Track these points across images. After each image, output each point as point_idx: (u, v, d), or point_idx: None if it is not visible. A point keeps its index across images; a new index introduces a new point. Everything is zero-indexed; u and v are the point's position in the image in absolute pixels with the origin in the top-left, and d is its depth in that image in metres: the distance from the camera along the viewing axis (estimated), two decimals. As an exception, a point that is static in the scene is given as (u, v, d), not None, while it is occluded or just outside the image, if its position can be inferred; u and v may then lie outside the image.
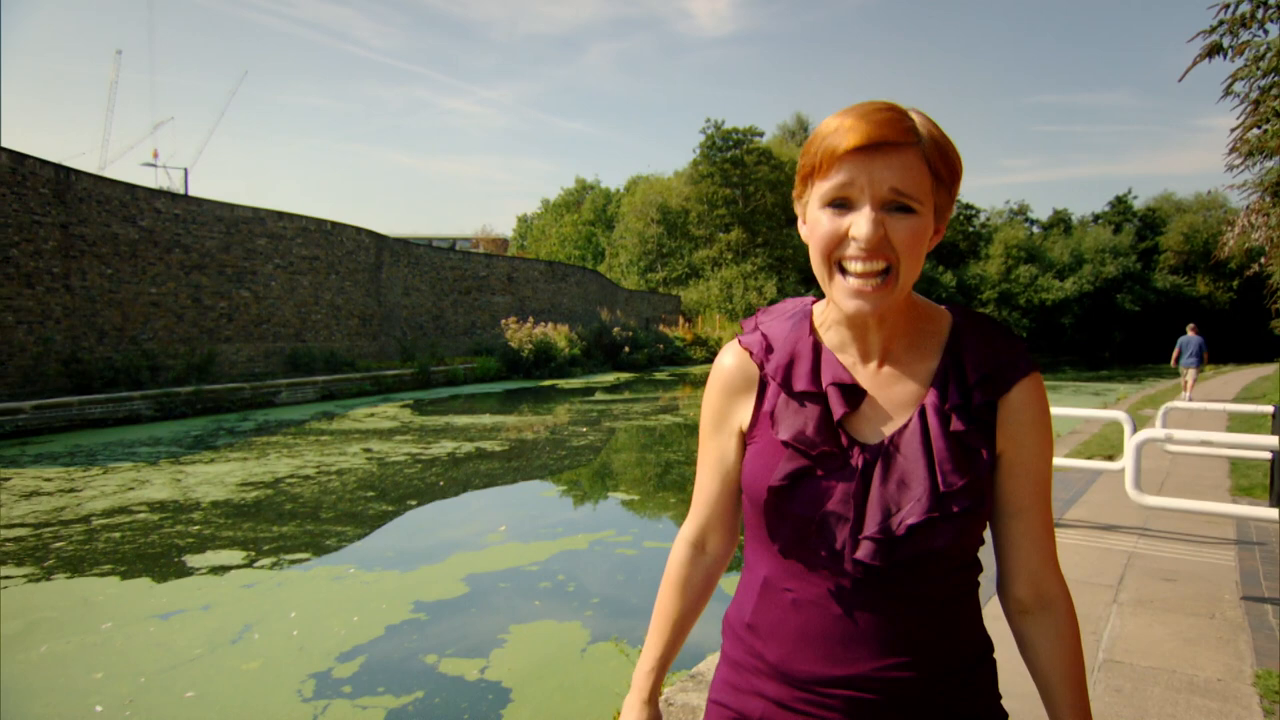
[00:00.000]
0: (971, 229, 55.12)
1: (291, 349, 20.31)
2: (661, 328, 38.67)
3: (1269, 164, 7.20)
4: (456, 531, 7.27)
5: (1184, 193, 57.13)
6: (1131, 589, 4.37)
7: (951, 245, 53.07)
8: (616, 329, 31.60)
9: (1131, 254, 50.68)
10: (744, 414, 1.07)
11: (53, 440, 12.02)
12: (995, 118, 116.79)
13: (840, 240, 0.92)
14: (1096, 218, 56.31)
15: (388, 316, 24.87)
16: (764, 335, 1.06)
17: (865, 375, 1.00)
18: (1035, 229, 56.53)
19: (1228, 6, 6.02)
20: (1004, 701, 1.06)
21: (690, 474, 9.68)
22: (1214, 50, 6.22)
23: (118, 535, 6.83)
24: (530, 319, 27.92)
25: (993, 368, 0.98)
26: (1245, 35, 6.02)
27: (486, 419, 15.36)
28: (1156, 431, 4.52)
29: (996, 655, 1.05)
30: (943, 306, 1.05)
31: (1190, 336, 15.68)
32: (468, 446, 11.75)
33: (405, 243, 27.00)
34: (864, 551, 0.93)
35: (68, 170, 14.99)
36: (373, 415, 15.65)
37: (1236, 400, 16.36)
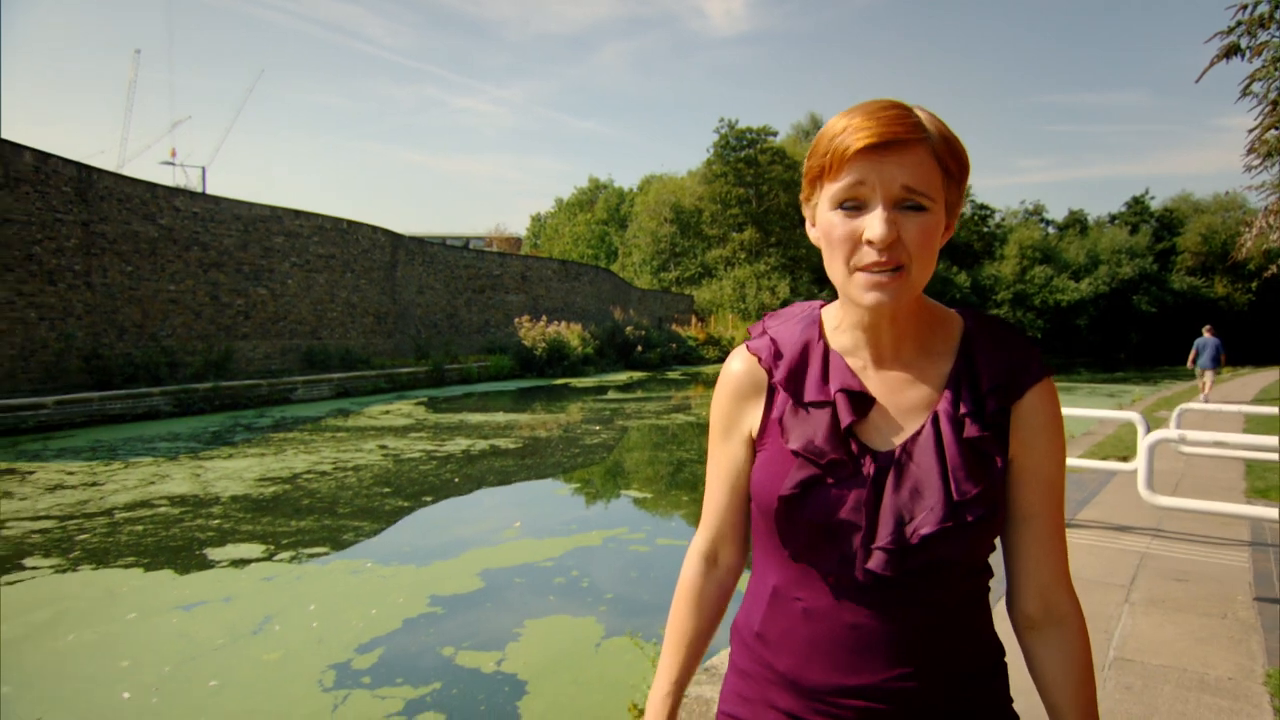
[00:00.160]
0: (986, 229, 54.78)
1: (307, 346, 20.51)
2: (674, 327, 38.71)
3: None
4: (471, 527, 7.36)
5: (1202, 193, 56.55)
6: (1143, 589, 4.39)
7: (966, 246, 52.79)
8: (629, 328, 31.68)
9: (1148, 255, 50.22)
10: (753, 420, 1.05)
11: (74, 435, 12.21)
12: (1010, 117, 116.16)
13: (857, 244, 0.90)
14: (1113, 218, 55.82)
15: (402, 314, 25.04)
16: (772, 340, 1.05)
17: (876, 380, 0.99)
18: (1050, 229, 56.11)
19: (1245, 7, 6.00)
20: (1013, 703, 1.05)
21: (702, 472, 9.75)
22: (1232, 51, 6.18)
23: (140, 528, 6.95)
24: (543, 318, 28.05)
25: (1006, 373, 0.96)
26: (1264, 36, 5.99)
27: (500, 417, 15.46)
28: (1169, 432, 4.53)
29: (1006, 658, 1.04)
30: (953, 310, 1.04)
31: (1207, 338, 15.57)
32: (482, 444, 11.85)
33: (420, 241, 27.17)
34: (876, 561, 0.92)
35: (89, 169, 15.21)
36: (388, 412, 15.78)
37: (1254, 402, 16.23)
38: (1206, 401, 14.74)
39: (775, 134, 48.84)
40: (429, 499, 8.33)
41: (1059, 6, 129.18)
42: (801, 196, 1.01)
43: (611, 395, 20.57)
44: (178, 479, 9.02)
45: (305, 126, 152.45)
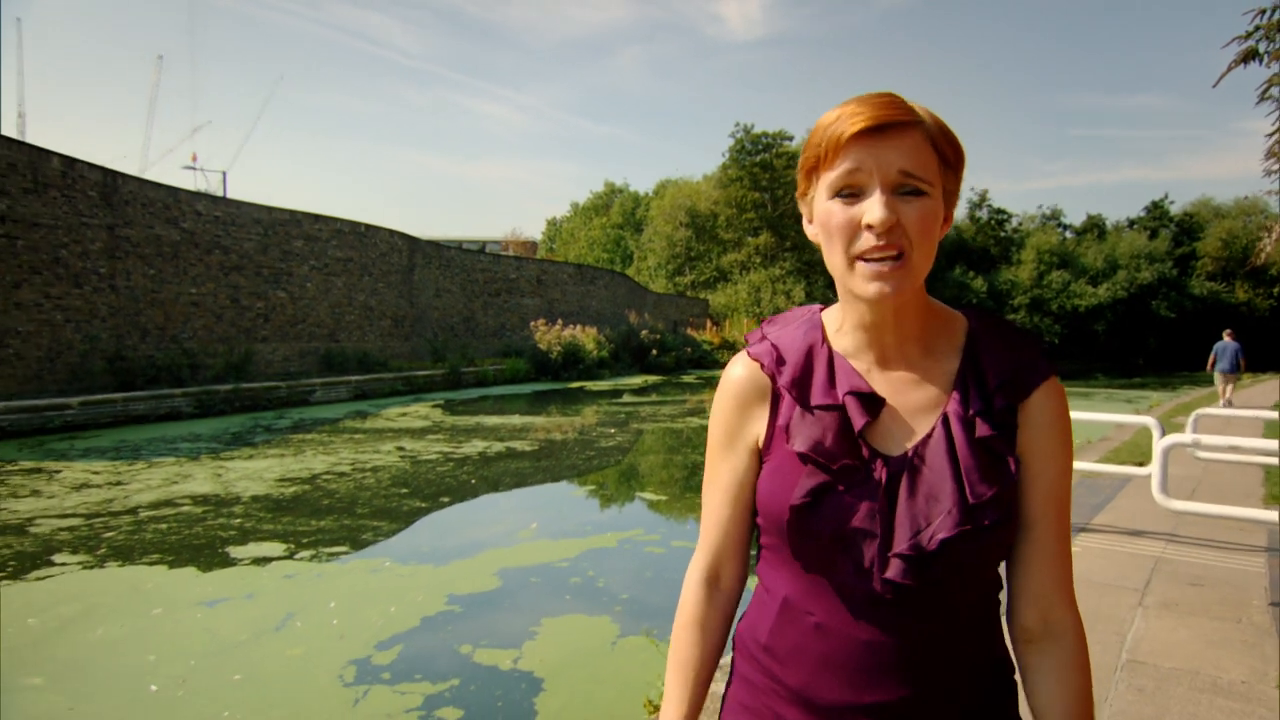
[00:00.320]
0: (1003, 234, 54.40)
1: (326, 349, 20.73)
2: (689, 331, 38.77)
3: None
4: (488, 528, 7.44)
5: (1223, 197, 55.68)
6: (1158, 593, 4.39)
7: (983, 250, 52.47)
8: (644, 332, 31.77)
9: (1168, 260, 49.66)
10: (758, 428, 1.02)
11: (99, 435, 12.43)
12: (1028, 122, 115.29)
13: (856, 230, 0.89)
14: (1131, 223, 55.23)
15: (419, 318, 25.25)
16: (773, 345, 1.02)
17: (881, 381, 0.97)
18: (1068, 234, 55.63)
19: (1264, 12, 6.00)
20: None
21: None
22: (1249, 56, 6.17)
23: (164, 527, 7.09)
24: (559, 321, 28.20)
25: (1012, 371, 0.95)
26: (1284, 40, 6.00)
27: (516, 419, 15.57)
28: (1183, 436, 4.54)
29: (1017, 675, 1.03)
30: (957, 310, 1.02)
31: (1226, 342, 15.46)
32: (498, 446, 11.95)
33: (437, 245, 27.39)
34: (894, 570, 0.89)
35: (114, 174, 15.49)
36: (405, 415, 15.93)
37: (1275, 408, 16.06)
38: (1226, 406, 14.62)
39: (791, 138, 48.84)
40: (446, 500, 8.43)
41: (1079, 11, 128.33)
42: (798, 193, 0.99)
43: (626, 399, 20.64)
44: (200, 479, 9.18)
45: (325, 130, 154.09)
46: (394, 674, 4.20)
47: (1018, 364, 0.95)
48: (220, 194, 24.91)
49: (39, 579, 5.65)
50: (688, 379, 28.38)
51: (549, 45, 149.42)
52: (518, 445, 12.11)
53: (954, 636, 0.93)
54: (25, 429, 12.12)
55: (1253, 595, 4.37)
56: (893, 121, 0.88)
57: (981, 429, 0.92)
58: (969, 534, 0.88)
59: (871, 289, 0.89)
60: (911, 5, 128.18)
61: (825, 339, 1.01)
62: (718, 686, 3.11)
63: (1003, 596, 1.01)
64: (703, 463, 1.10)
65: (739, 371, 1.04)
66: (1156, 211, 54.61)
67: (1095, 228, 55.60)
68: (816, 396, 0.96)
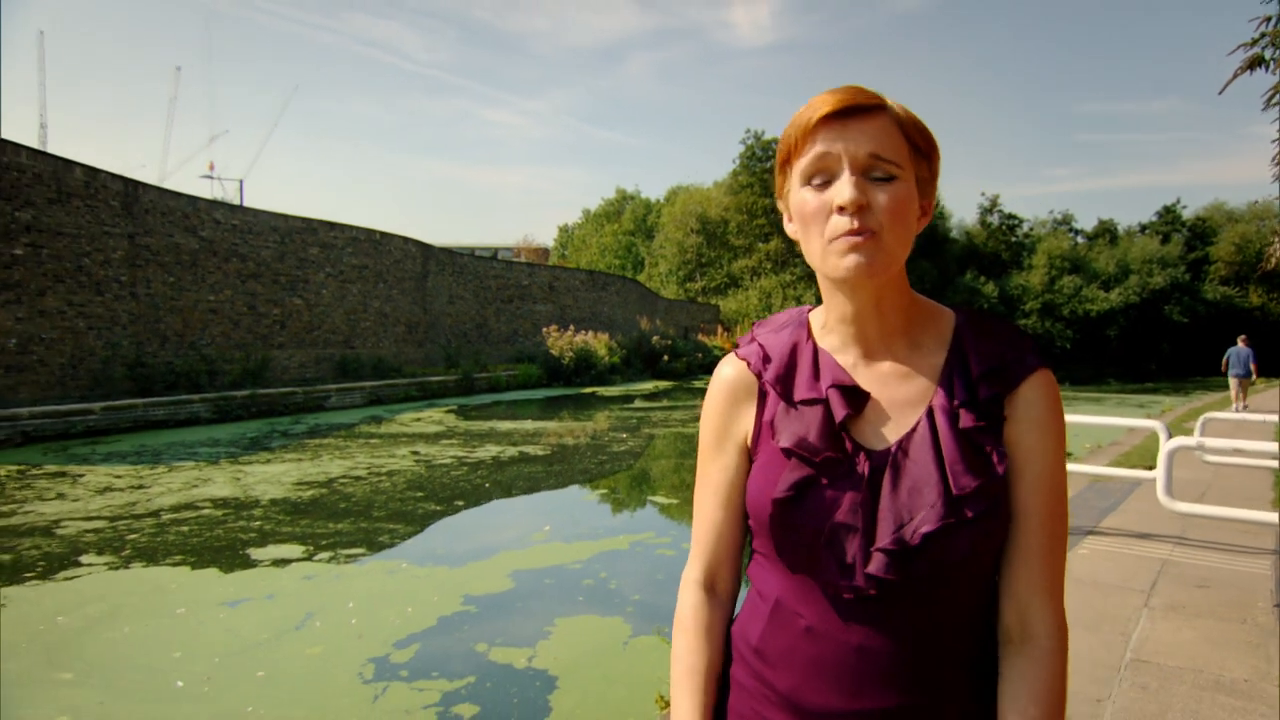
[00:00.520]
0: (1014, 239, 54.22)
1: (341, 355, 20.95)
2: (700, 337, 38.85)
3: None
4: (502, 531, 7.55)
5: (1236, 201, 55.26)
6: (1164, 594, 4.44)
7: (994, 256, 52.30)
8: (656, 338, 31.89)
9: (1180, 265, 49.30)
10: (747, 425, 1.02)
11: (120, 440, 12.64)
12: (1039, 127, 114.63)
13: (827, 214, 0.89)
14: (1143, 228, 54.89)
15: (433, 324, 25.46)
16: (761, 345, 1.03)
17: (867, 376, 0.96)
18: (1080, 239, 55.36)
19: (1270, 19, 6.06)
20: None
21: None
22: (1255, 63, 6.23)
23: (186, 529, 7.24)
24: (571, 327, 28.36)
25: (998, 363, 0.93)
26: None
27: (529, 424, 15.70)
28: (1188, 440, 4.60)
29: None
30: (947, 307, 1.01)
31: (1241, 347, 15.46)
32: (511, 451, 12.07)
33: (450, 252, 27.62)
34: (876, 565, 0.88)
35: (135, 183, 15.77)
36: (419, 420, 16.09)
37: (1290, 414, 15.97)
38: (1238, 411, 14.57)
39: (802, 144, 48.87)
40: (461, 504, 8.55)
41: (1088, 16, 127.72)
42: (776, 195, 0.99)
43: (638, 404, 20.74)
44: (219, 482, 9.34)
45: (339, 139, 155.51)
46: (412, 672, 4.28)
47: (1005, 356, 0.93)
48: (237, 202, 25.27)
49: (67, 579, 5.80)
50: (699, 384, 28.46)
51: (559, 52, 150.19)
52: (531, 450, 12.23)
53: (947, 641, 0.91)
54: (49, 433, 12.35)
55: (1258, 597, 4.41)
56: (859, 105, 0.89)
57: (965, 420, 0.90)
58: (953, 527, 0.86)
59: (846, 263, 0.88)
60: (921, 10, 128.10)
61: (810, 336, 1.01)
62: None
63: None
64: (711, 467, 1.12)
65: (727, 372, 1.04)
66: (1169, 216, 54.25)
67: (1107, 233, 55.31)
68: (800, 391, 0.96)
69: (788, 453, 0.94)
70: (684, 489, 9.81)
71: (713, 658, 1.03)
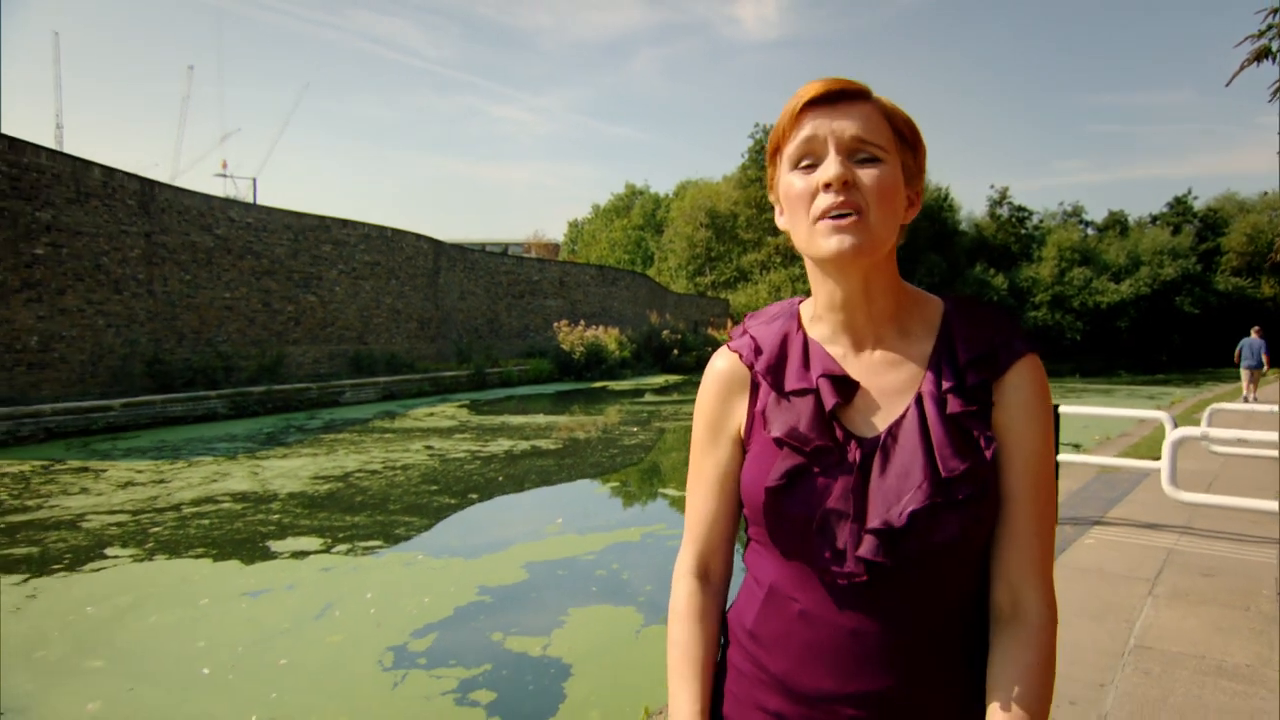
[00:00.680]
0: (1024, 231, 53.88)
1: (354, 351, 21.14)
2: (710, 331, 38.89)
3: None
4: (515, 523, 7.66)
5: (1248, 192, 54.59)
6: (1168, 583, 4.49)
7: (1004, 248, 52.00)
8: (665, 332, 31.96)
9: (1191, 256, 48.81)
10: (740, 417, 1.03)
11: (139, 436, 12.85)
12: (1048, 119, 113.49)
13: (814, 194, 0.91)
14: (1154, 219, 54.38)
15: (445, 320, 25.62)
16: (752, 337, 1.04)
17: (857, 365, 0.98)
18: (1090, 231, 54.94)
19: (1276, 11, 6.06)
20: None
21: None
22: (1262, 54, 6.23)
23: (207, 522, 7.39)
24: (581, 322, 28.46)
25: (986, 348, 0.94)
26: (1294, 39, 6.06)
27: (540, 418, 15.82)
28: (1193, 430, 4.65)
29: None
30: (935, 296, 1.03)
31: (1254, 338, 15.43)
32: (523, 445, 12.19)
33: (461, 248, 27.77)
34: (867, 547, 0.89)
35: (152, 183, 15.97)
36: (432, 414, 16.24)
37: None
38: (1251, 401, 14.53)
39: (811, 138, 48.72)
40: (474, 497, 8.67)
41: (1096, 7, 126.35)
42: (768, 189, 1.02)
43: (648, 398, 20.83)
44: (238, 477, 9.50)
45: (350, 136, 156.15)
46: (430, 660, 4.38)
47: (992, 341, 0.95)
48: (251, 200, 25.47)
49: (94, 570, 5.95)
50: (709, 379, 28.49)
51: (565, 49, 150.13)
52: (542, 444, 12.34)
53: (939, 625, 0.92)
54: (71, 430, 12.57)
55: (1263, 585, 4.45)
56: (843, 90, 0.91)
57: (953, 405, 0.91)
58: (940, 508, 0.87)
59: (831, 243, 0.89)
60: (928, 3, 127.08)
61: (801, 327, 1.03)
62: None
63: None
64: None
65: (720, 364, 1.06)
66: (1179, 207, 53.74)
67: (1117, 224, 54.85)
68: (791, 382, 0.98)
69: (779, 442, 0.95)
70: (695, 482, 9.89)
71: (708, 644, 1.04)
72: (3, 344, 13.00)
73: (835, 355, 0.99)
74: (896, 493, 0.89)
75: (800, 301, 1.07)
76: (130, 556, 6.32)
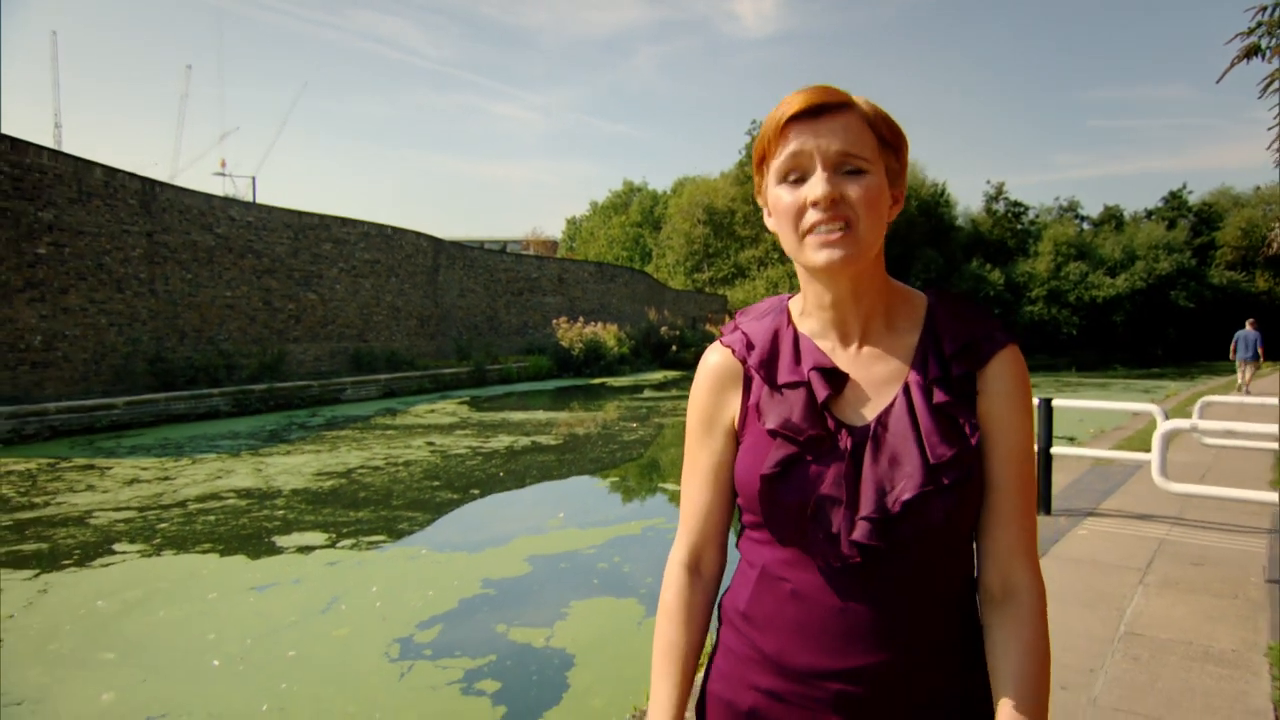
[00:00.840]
0: (1020, 226, 53.94)
1: (355, 349, 21.21)
2: (708, 327, 38.95)
3: None
4: (517, 518, 7.74)
5: (1243, 186, 54.66)
6: (1159, 572, 4.58)
7: (1000, 243, 52.06)
8: (664, 328, 32.04)
9: (1186, 250, 48.91)
10: (733, 410, 1.05)
11: (143, 433, 12.93)
12: (1044, 114, 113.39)
13: (803, 209, 0.94)
14: (1149, 214, 54.44)
15: (444, 317, 25.69)
16: (744, 333, 1.08)
17: (846, 358, 1.01)
18: (1085, 226, 54.99)
19: (1265, 9, 6.15)
20: None
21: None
22: (1252, 51, 6.32)
23: (212, 518, 7.47)
24: (580, 319, 28.52)
25: (969, 340, 0.98)
26: (1283, 37, 6.15)
27: (540, 415, 15.90)
28: (1182, 422, 4.74)
29: None
30: (920, 291, 1.06)
31: (1248, 331, 15.55)
32: (524, 441, 12.27)
33: (460, 246, 27.82)
34: (860, 532, 0.92)
35: (153, 182, 16.03)
36: (433, 411, 16.32)
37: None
38: (1245, 394, 14.64)
39: (809, 133, 48.70)
40: (476, 492, 8.76)
41: (1093, 2, 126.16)
42: (755, 193, 1.04)
43: (647, 394, 20.92)
44: (242, 474, 9.58)
45: (349, 135, 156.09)
46: (435, 651, 4.46)
47: (974, 334, 0.99)
48: (250, 199, 25.51)
49: (103, 566, 6.03)
50: (709, 375, 28.56)
51: (564, 46, 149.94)
52: (543, 440, 12.43)
53: (925, 603, 0.95)
54: (75, 428, 12.64)
55: (1251, 573, 4.54)
56: (827, 104, 0.93)
57: (939, 396, 0.96)
58: (930, 494, 0.91)
59: (821, 256, 0.93)
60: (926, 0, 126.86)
61: (791, 322, 1.06)
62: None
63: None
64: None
65: (713, 359, 1.09)
66: (1175, 202, 53.81)
67: (1113, 219, 54.91)
68: (783, 375, 1.01)
69: (774, 433, 0.98)
70: (694, 477, 9.98)
71: (692, 638, 1.06)
72: (7, 343, 13.06)
73: (824, 349, 1.02)
74: (889, 479, 0.93)
75: (789, 298, 1.10)
76: (138, 552, 6.40)
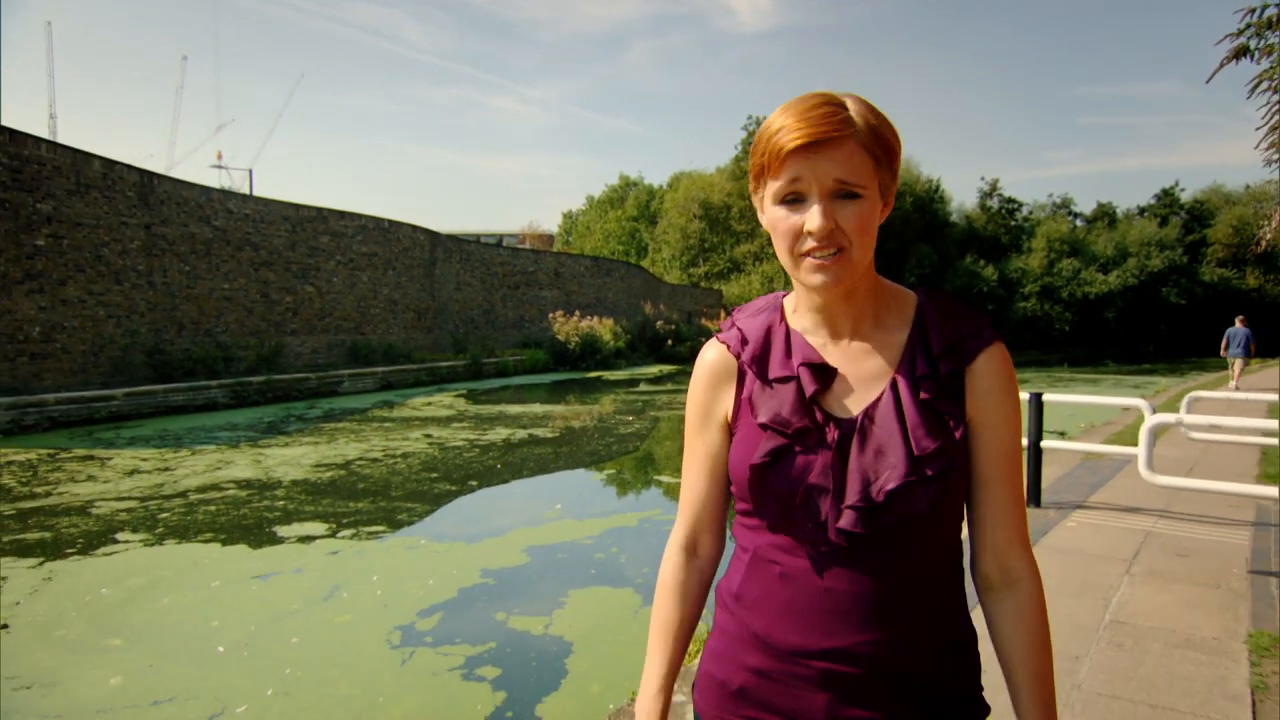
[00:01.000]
0: (1014, 223, 54.11)
1: (352, 341, 21.25)
2: (703, 321, 39.06)
3: None
4: (515, 509, 7.83)
5: (1234, 184, 54.87)
6: (1145, 562, 4.68)
7: (993, 239, 52.23)
8: (660, 322, 32.12)
9: (1178, 247, 49.14)
10: (728, 403, 1.10)
11: (142, 425, 12.97)
12: (1038, 111, 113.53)
13: (799, 235, 0.98)
14: (1142, 210, 54.65)
15: (441, 310, 25.72)
16: (739, 330, 1.12)
17: (835, 354, 1.05)
18: (1079, 223, 55.17)
19: (1253, 11, 6.24)
20: (989, 694, 1.09)
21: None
22: (1241, 52, 6.41)
23: (213, 509, 7.54)
24: (576, 313, 28.58)
25: (956, 338, 1.02)
26: (1272, 38, 6.23)
27: (537, 408, 15.98)
28: (1168, 416, 4.83)
29: (982, 649, 1.07)
30: (910, 289, 1.10)
31: (1239, 328, 15.71)
32: (521, 433, 12.35)
33: (457, 239, 27.84)
34: (846, 520, 0.96)
35: (151, 174, 16.03)
36: (430, 404, 16.38)
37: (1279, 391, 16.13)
38: (1236, 390, 14.79)
39: (805, 128, 48.75)
40: (474, 483, 8.84)
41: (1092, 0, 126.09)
42: (750, 189, 1.06)
43: (643, 387, 21.00)
44: (241, 465, 9.65)
45: (345, 128, 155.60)
46: (436, 638, 4.55)
47: (961, 332, 1.02)
48: (247, 191, 25.49)
49: (106, 555, 6.11)
50: (704, 369, 28.66)
51: (561, 40, 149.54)
52: (539, 432, 12.51)
53: (908, 586, 0.99)
54: (74, 419, 12.69)
55: (1234, 564, 4.65)
56: (827, 137, 0.95)
57: (926, 391, 0.99)
58: (914, 484, 0.95)
59: (816, 279, 0.98)
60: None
61: (784, 319, 1.10)
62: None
63: (967, 566, 1.07)
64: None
65: (710, 355, 1.13)
66: (1167, 199, 54.01)
67: (1106, 216, 55.12)
68: (774, 370, 1.06)
69: (764, 426, 1.03)
70: (690, 470, 10.07)
71: (685, 614, 1.12)
72: (5, 334, 13.09)
73: (815, 345, 1.07)
74: (874, 469, 0.97)
75: (784, 295, 1.15)
76: (141, 541, 6.47)
